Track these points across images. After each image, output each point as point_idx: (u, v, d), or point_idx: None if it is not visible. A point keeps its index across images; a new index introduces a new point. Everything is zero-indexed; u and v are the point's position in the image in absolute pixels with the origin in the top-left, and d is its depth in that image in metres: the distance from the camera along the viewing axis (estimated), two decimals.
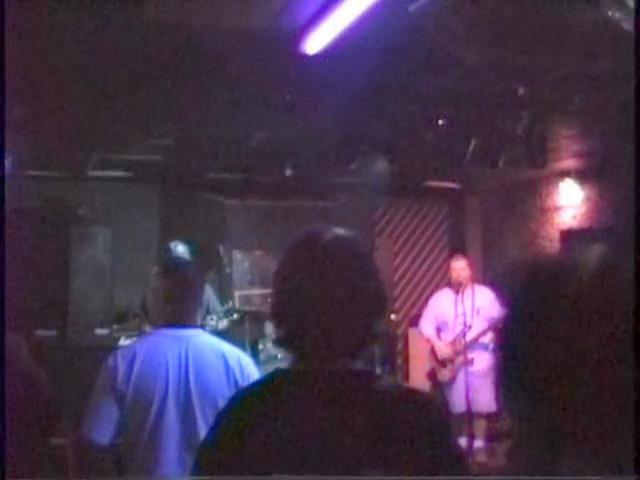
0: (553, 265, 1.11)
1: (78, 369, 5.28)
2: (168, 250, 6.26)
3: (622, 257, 1.04)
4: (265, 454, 1.50)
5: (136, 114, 5.45)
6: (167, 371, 2.68)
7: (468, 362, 6.23)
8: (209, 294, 6.10)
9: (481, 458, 6.29)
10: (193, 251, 6.37)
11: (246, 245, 8.59)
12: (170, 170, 7.65)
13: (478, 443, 6.33)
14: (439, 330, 6.61)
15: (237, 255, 8.53)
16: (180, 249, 6.25)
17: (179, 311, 2.81)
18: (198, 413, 2.66)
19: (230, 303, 6.87)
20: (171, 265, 3.10)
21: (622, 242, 1.04)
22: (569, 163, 7.45)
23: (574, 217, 8.00)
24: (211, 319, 5.95)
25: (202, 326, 4.71)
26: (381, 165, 6.31)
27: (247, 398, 1.67)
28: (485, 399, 6.18)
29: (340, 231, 1.67)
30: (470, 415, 6.16)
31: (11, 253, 2.09)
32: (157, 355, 2.71)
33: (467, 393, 6.12)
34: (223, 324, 6.09)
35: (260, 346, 7.05)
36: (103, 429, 2.62)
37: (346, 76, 4.44)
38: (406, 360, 8.73)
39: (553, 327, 1.02)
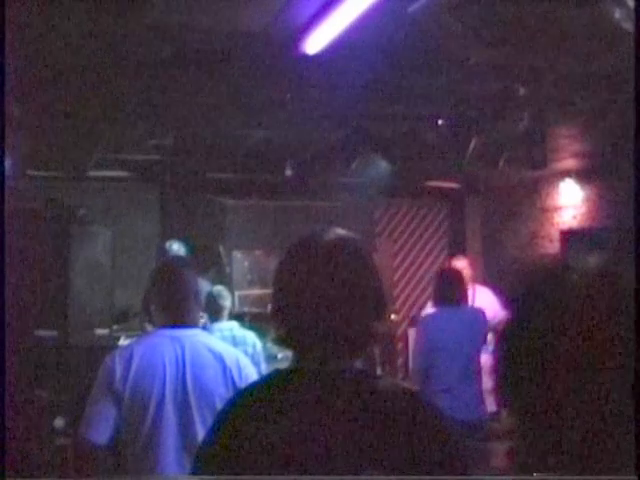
0: (553, 266, 1.12)
1: (78, 369, 5.27)
2: (164, 249, 6.23)
3: (622, 259, 1.04)
4: (264, 454, 1.50)
5: (136, 114, 5.45)
6: (164, 371, 2.68)
7: None
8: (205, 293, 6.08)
9: (481, 458, 6.28)
10: (189, 250, 6.34)
11: (246, 245, 8.59)
12: (170, 170, 7.65)
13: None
14: None
15: (237, 255, 8.53)
16: (175, 247, 6.22)
17: (177, 311, 2.81)
18: (196, 413, 2.65)
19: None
20: (169, 265, 3.10)
21: (622, 243, 1.04)
22: (569, 163, 7.44)
23: (574, 217, 7.99)
24: (201, 317, 5.92)
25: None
26: (381, 165, 6.31)
27: (246, 398, 1.67)
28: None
29: (340, 232, 1.67)
30: None
31: (11, 253, 2.09)
32: (154, 355, 2.70)
33: None
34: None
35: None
36: (101, 429, 2.62)
37: (346, 76, 4.44)
38: (406, 360, 8.73)
39: (554, 328, 1.02)
